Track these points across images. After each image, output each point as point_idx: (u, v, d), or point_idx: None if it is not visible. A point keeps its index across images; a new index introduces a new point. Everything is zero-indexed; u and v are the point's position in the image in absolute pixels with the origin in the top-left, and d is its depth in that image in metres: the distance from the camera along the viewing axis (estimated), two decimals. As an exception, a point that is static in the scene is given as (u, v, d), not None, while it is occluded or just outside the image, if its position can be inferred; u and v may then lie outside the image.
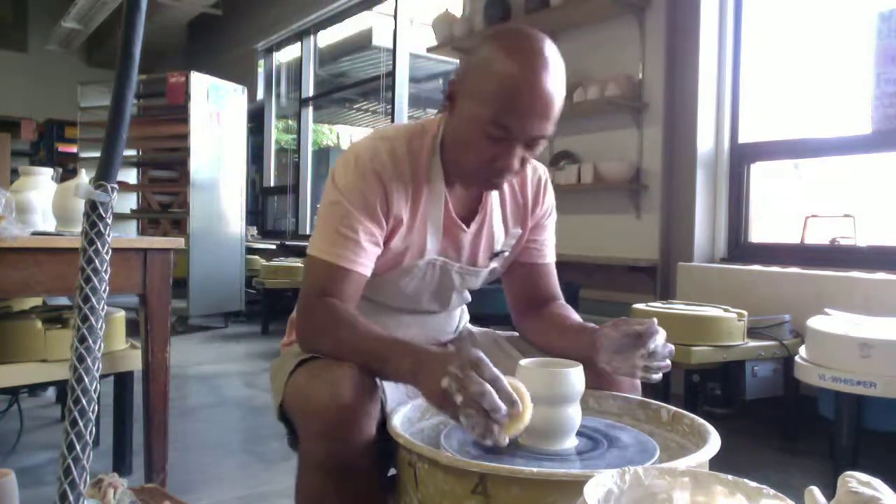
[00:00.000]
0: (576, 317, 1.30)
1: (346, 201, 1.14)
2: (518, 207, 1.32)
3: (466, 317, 1.50)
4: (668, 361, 1.09)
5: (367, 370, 1.04)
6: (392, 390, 1.19)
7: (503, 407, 0.87)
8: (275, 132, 7.95)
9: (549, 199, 1.36)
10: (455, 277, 1.28)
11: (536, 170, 1.34)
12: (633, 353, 1.08)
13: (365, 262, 1.15)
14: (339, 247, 1.13)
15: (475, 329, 1.47)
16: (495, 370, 0.91)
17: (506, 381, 0.91)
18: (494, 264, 1.32)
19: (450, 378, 0.90)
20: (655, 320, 1.10)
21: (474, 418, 0.87)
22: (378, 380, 1.09)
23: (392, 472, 1.11)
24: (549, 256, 1.38)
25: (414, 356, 1.00)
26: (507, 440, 0.89)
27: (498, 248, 1.30)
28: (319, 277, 1.15)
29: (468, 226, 1.25)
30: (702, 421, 1.02)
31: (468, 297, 1.41)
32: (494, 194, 1.27)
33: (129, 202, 6.06)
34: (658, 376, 1.09)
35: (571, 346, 1.19)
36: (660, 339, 1.07)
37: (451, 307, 1.37)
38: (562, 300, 1.37)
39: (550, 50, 1.08)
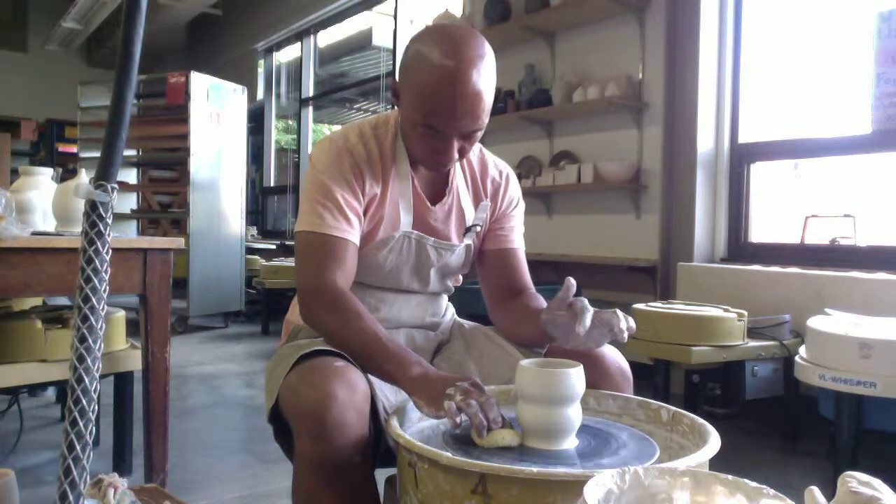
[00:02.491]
0: (538, 303, 1.32)
1: (325, 178, 1.22)
2: (479, 183, 1.38)
3: (453, 310, 1.52)
4: (626, 324, 1.09)
5: (365, 365, 1.10)
6: (392, 392, 1.19)
7: (496, 420, 0.96)
8: (275, 132, 7.95)
9: (513, 191, 1.42)
10: (431, 252, 1.32)
11: (497, 165, 1.42)
12: (576, 332, 1.10)
13: (349, 230, 1.22)
14: (324, 218, 1.20)
15: (466, 323, 1.48)
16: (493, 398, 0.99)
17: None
18: (468, 240, 1.37)
19: (456, 389, 0.99)
20: (571, 281, 1.13)
21: (472, 409, 0.95)
22: (373, 380, 1.09)
23: (392, 471, 1.11)
24: (517, 242, 1.42)
25: (422, 368, 1.06)
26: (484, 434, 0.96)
27: (469, 222, 1.36)
28: (311, 251, 1.20)
29: (434, 204, 1.32)
30: (702, 421, 1.01)
31: (451, 286, 1.45)
32: (459, 175, 1.35)
33: (129, 202, 6.05)
34: (623, 337, 1.10)
35: (534, 334, 1.24)
36: (587, 320, 1.08)
37: (431, 286, 1.38)
38: (532, 290, 1.38)
39: (473, 51, 1.12)
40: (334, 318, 1.14)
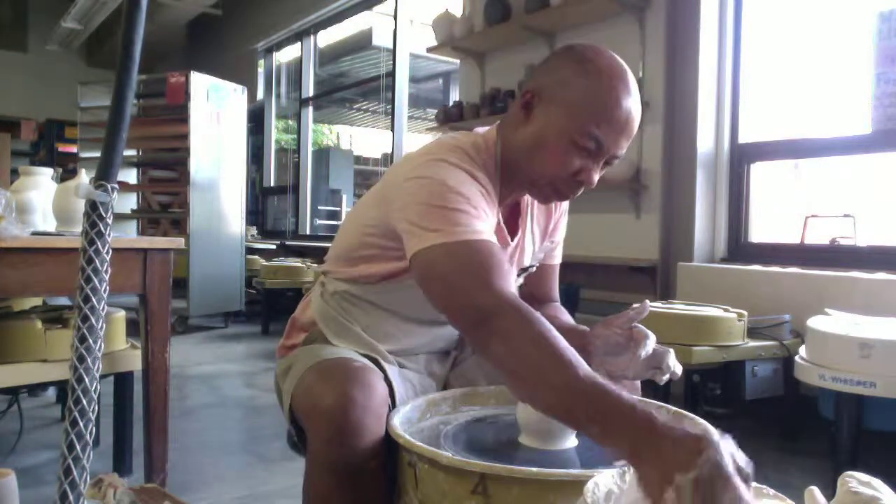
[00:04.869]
0: (567, 318, 1.30)
1: (450, 181, 1.01)
2: (546, 220, 1.31)
3: None
4: (675, 367, 1.08)
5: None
6: (399, 388, 1.17)
7: None
8: (275, 132, 7.95)
9: (566, 202, 1.37)
10: None
11: None
12: (625, 356, 1.08)
13: (492, 236, 1.01)
14: (469, 224, 0.97)
15: None
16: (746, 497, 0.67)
17: None
18: (521, 281, 1.30)
19: (694, 478, 0.67)
20: (647, 304, 1.10)
21: None
22: (385, 380, 1.07)
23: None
24: (558, 258, 1.39)
25: (649, 425, 0.72)
26: None
27: (527, 263, 1.28)
28: (458, 264, 0.94)
29: (512, 240, 1.22)
30: (702, 421, 1.01)
31: None
32: (528, 212, 1.25)
33: (129, 202, 6.06)
34: (663, 379, 1.08)
35: None
36: (650, 345, 1.06)
37: None
38: (558, 303, 1.37)
39: (632, 75, 1.09)
40: (508, 341, 0.86)
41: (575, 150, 1.06)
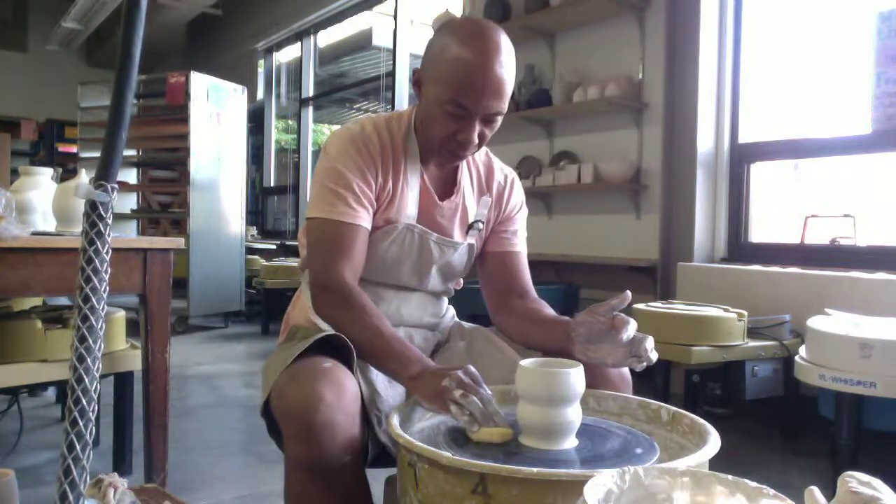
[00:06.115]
0: (549, 310, 1.33)
1: (338, 165, 1.24)
2: (484, 185, 1.40)
3: (453, 312, 1.51)
4: (652, 354, 1.09)
5: (369, 362, 1.14)
6: (387, 390, 1.18)
7: (496, 412, 0.98)
8: (275, 132, 7.95)
9: (517, 196, 1.44)
10: (434, 248, 1.33)
11: (503, 170, 1.44)
12: (607, 344, 1.10)
13: (362, 216, 1.23)
14: (335, 205, 1.22)
15: (466, 324, 1.48)
16: (489, 391, 1.01)
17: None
18: (471, 239, 1.37)
19: (451, 379, 0.99)
20: (628, 293, 1.14)
21: (474, 405, 0.96)
22: (363, 381, 1.10)
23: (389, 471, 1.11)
24: (520, 246, 1.43)
25: (421, 366, 1.07)
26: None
27: (472, 218, 1.37)
28: (321, 240, 1.22)
29: (443, 201, 1.33)
30: (702, 421, 1.01)
31: (451, 289, 1.45)
32: (466, 175, 1.37)
33: (129, 202, 6.06)
34: (641, 366, 1.10)
35: (547, 339, 1.23)
36: (631, 329, 1.09)
37: (431, 285, 1.38)
38: (535, 295, 1.39)
39: (500, 37, 1.19)
40: (341, 314, 1.17)
41: (448, 117, 1.19)
